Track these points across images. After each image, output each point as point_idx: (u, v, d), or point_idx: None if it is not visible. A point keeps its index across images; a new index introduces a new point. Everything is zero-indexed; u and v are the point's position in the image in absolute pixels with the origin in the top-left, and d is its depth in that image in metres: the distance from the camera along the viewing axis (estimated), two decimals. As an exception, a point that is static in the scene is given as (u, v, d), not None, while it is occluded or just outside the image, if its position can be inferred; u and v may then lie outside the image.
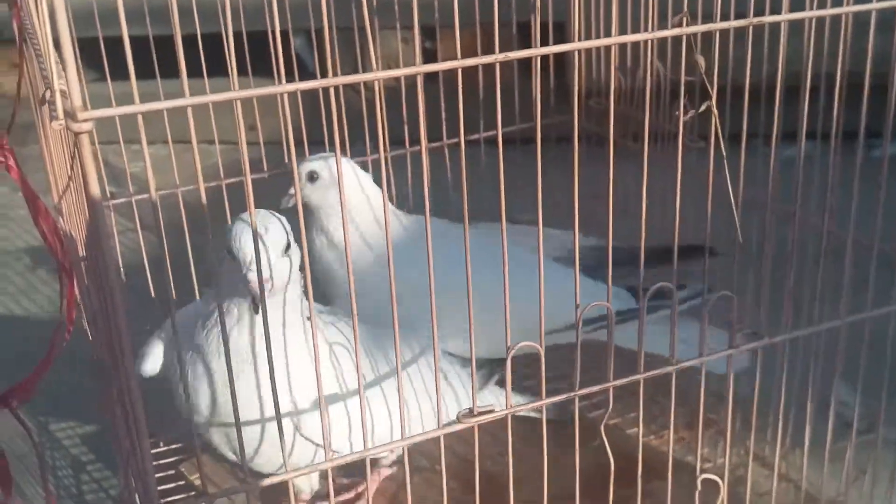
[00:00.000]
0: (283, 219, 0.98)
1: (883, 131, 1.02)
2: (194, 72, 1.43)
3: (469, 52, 0.75)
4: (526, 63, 1.45)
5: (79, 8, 1.43)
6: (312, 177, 1.38)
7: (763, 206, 1.12)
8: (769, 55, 1.18)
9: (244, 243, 0.93)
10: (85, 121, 0.64)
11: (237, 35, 1.34)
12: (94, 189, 0.66)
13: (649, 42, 0.83)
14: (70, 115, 0.64)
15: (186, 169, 1.42)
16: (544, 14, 1.57)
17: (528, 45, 1.47)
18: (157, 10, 1.37)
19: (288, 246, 0.97)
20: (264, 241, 0.94)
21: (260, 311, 0.83)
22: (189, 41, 1.33)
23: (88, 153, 0.65)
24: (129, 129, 1.37)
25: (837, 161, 1.02)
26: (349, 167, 1.39)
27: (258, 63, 1.39)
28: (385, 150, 1.27)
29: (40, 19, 0.70)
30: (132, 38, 1.40)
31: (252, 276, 0.90)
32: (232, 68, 0.70)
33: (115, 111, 0.66)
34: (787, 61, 1.02)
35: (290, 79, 0.73)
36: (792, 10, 0.93)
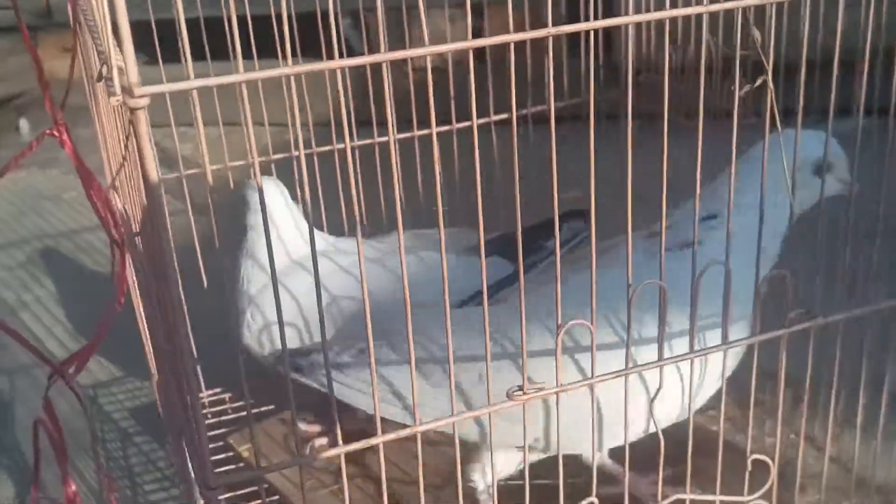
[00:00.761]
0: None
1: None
2: (244, 53, 1.44)
3: (518, 29, 0.75)
4: (574, 40, 1.44)
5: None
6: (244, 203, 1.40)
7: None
8: (824, 28, 1.15)
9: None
10: (142, 96, 0.65)
11: (287, 17, 1.35)
12: (150, 164, 0.67)
13: (702, 15, 0.82)
14: (127, 90, 0.65)
15: (236, 150, 1.43)
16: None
17: (575, 12, 1.47)
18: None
19: None
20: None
21: None
22: (238, 23, 1.35)
23: (145, 129, 0.66)
24: (179, 112, 1.39)
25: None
26: (278, 192, 1.40)
27: (308, 46, 1.39)
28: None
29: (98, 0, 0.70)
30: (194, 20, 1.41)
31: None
32: (285, 50, 0.70)
33: (171, 87, 0.67)
34: (842, 35, 0.99)
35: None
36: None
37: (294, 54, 1.17)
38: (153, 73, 1.44)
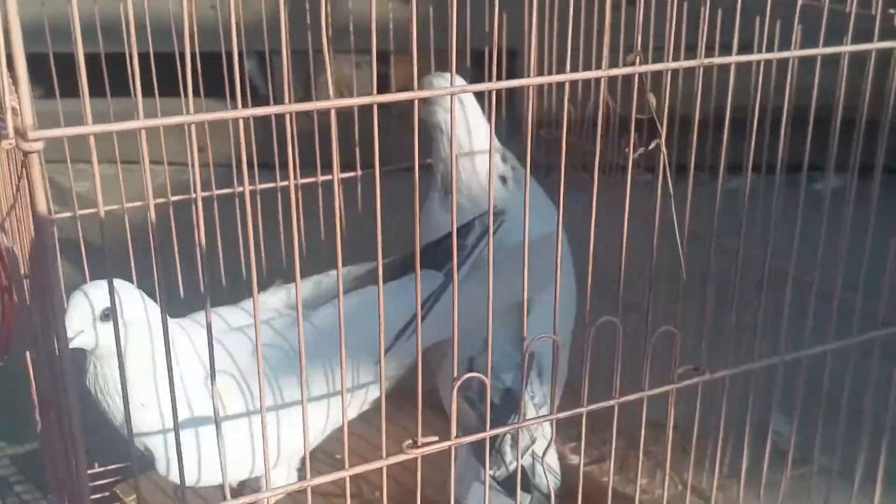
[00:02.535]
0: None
1: (825, 165, 1.05)
2: (146, 91, 1.41)
3: (423, 75, 0.76)
4: (478, 94, 1.46)
5: (27, 22, 1.41)
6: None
7: (707, 240, 1.14)
8: (716, 89, 1.20)
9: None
10: (36, 140, 0.63)
11: (190, 56, 1.33)
12: (43, 209, 0.65)
13: (601, 79, 0.84)
14: (20, 133, 0.63)
15: (132, 189, 1.40)
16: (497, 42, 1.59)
17: (481, 71, 1.50)
18: (108, 27, 1.36)
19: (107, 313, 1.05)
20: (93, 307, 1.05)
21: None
22: (140, 60, 1.33)
23: (38, 173, 0.65)
24: (74, 148, 1.35)
25: (780, 195, 1.05)
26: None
27: (210, 84, 1.38)
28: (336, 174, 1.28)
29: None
30: (94, 56, 1.38)
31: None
32: (187, 91, 0.69)
33: (67, 131, 0.65)
34: (734, 94, 1.04)
35: (243, 102, 0.73)
36: (741, 48, 0.96)
37: (197, 94, 1.16)
38: (49, 106, 1.41)
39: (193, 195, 1.38)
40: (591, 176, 0.88)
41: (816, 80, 1.00)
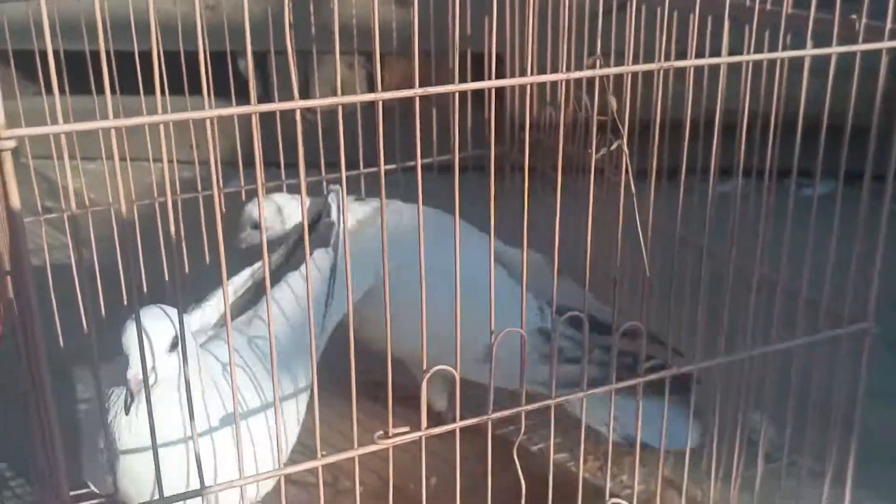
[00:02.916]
0: (174, 313, 0.98)
1: (809, 171, 1.07)
2: (148, 89, 1.44)
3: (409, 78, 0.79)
4: (470, 97, 1.49)
5: (20, 18, 1.43)
6: (257, 226, 1.40)
7: (681, 241, 1.17)
8: (695, 94, 1.22)
9: (129, 340, 0.96)
10: (8, 139, 0.65)
11: (177, 55, 1.36)
12: (16, 205, 0.68)
13: (568, 81, 0.87)
14: (-7, 132, 0.65)
15: (124, 185, 1.43)
16: (480, 46, 1.61)
17: (476, 76, 1.52)
18: (95, 26, 1.38)
19: (175, 342, 0.99)
20: (150, 338, 0.96)
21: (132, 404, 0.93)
22: (126, 57, 1.35)
23: (10, 171, 0.67)
24: (69, 145, 1.38)
25: (761, 200, 1.08)
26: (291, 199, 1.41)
27: (198, 82, 1.40)
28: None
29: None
30: (77, 53, 1.40)
31: (132, 374, 0.94)
32: (207, 90, 0.72)
33: (40, 130, 0.68)
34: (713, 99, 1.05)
35: (242, 101, 0.76)
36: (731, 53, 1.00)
37: (199, 93, 1.19)
38: (39, 104, 1.44)
39: (198, 193, 1.44)
40: (565, 176, 0.90)
41: (776, 81, 1.02)
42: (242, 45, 0.69)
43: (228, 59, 1.52)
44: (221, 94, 1.44)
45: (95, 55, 1.37)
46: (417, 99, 0.77)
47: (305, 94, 1.73)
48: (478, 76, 1.45)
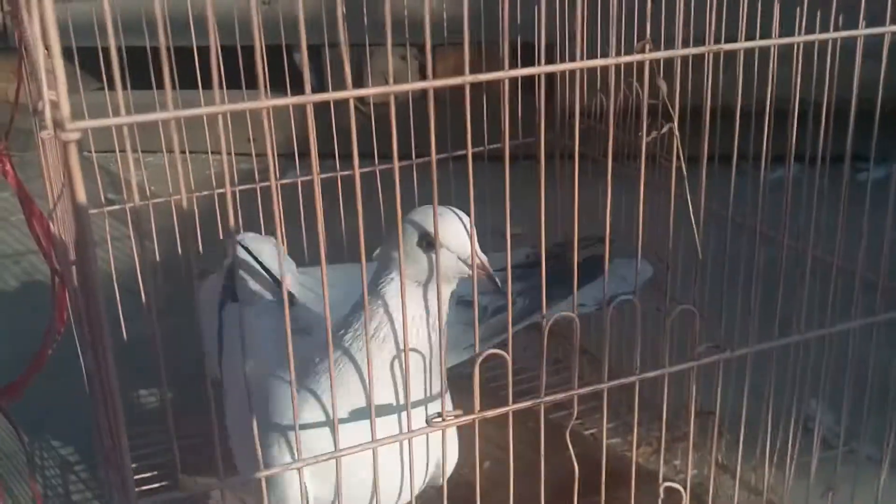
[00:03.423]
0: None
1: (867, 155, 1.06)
2: (190, 83, 1.47)
3: (460, 70, 0.80)
4: (517, 82, 1.49)
5: (84, 18, 1.47)
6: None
7: (735, 225, 1.16)
8: (744, 80, 1.22)
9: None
10: (73, 130, 0.68)
11: (234, 50, 1.39)
12: (81, 196, 0.70)
13: (618, 66, 0.87)
14: (59, 124, 0.68)
15: (183, 177, 1.46)
16: (531, 35, 1.61)
17: (529, 60, 1.52)
18: (173, 20, 1.41)
19: None
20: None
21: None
22: (185, 53, 1.38)
23: (76, 162, 0.69)
24: (131, 138, 1.41)
25: (813, 185, 1.07)
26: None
27: (255, 77, 1.43)
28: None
29: (34, 31, 0.74)
30: (138, 49, 1.43)
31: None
32: (263, 83, 0.73)
33: (101, 122, 0.70)
34: (765, 84, 1.05)
35: (294, 92, 0.77)
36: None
37: (255, 87, 1.21)
38: (111, 98, 1.48)
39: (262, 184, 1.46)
40: (621, 164, 0.90)
41: (828, 64, 1.01)
42: (297, 38, 0.70)
43: (284, 53, 1.54)
44: (277, 88, 1.47)
45: (155, 51, 1.40)
46: (468, 86, 0.78)
47: (359, 85, 1.75)
48: (528, 65, 1.46)
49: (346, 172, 1.57)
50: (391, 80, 0.77)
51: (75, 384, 1.45)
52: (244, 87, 1.51)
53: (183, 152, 1.36)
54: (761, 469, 1.32)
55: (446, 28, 1.53)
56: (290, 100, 0.72)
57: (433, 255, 0.93)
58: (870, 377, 1.17)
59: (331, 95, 0.73)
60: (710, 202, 1.04)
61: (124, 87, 0.70)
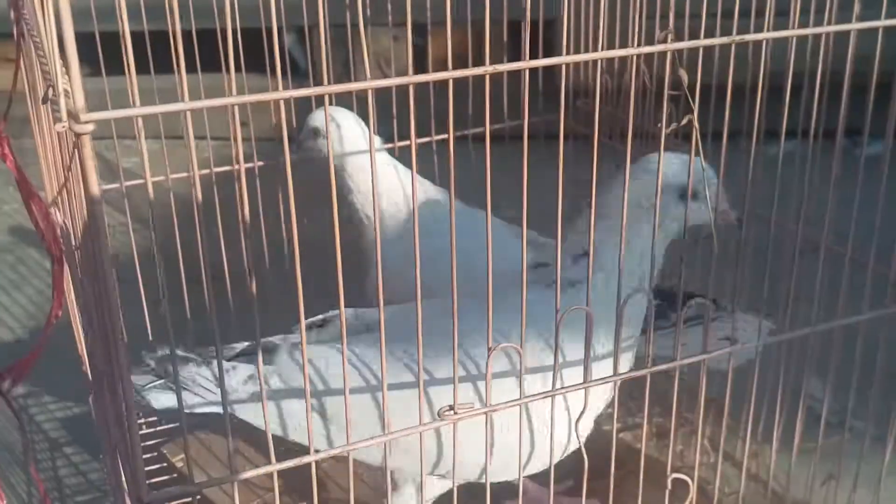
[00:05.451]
0: None
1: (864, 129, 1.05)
2: (189, 68, 1.44)
3: (460, 48, 0.78)
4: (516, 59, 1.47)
5: (82, 3, 1.43)
6: (317, 133, 1.39)
7: (742, 211, 1.15)
8: (753, 57, 1.20)
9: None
10: (87, 122, 0.66)
11: (232, 32, 1.35)
12: (94, 189, 0.68)
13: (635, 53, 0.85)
14: (73, 115, 0.66)
15: (178, 163, 1.44)
16: (534, 12, 1.60)
17: (518, 44, 1.51)
18: (151, 5, 1.38)
19: None
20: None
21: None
22: (182, 36, 1.35)
23: (90, 153, 0.67)
24: (121, 125, 1.38)
25: (817, 161, 1.06)
26: (356, 124, 1.40)
27: (250, 59, 1.40)
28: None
29: (45, 19, 0.72)
30: (136, 35, 1.41)
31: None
32: (229, 67, 0.72)
33: (116, 114, 0.68)
34: (771, 60, 1.04)
35: (283, 77, 0.75)
36: (778, 13, 0.97)
37: (238, 69, 1.19)
38: (95, 84, 1.44)
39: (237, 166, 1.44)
40: (625, 144, 0.89)
41: (851, 51, 1.00)
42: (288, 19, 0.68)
43: (264, 35, 1.51)
44: (256, 70, 1.44)
45: (158, 35, 1.38)
46: (488, 77, 0.77)
47: (348, 68, 1.73)
48: (528, 46, 1.45)
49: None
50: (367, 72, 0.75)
51: (62, 365, 1.44)
52: (223, 70, 1.48)
53: (180, 138, 1.33)
54: (763, 457, 1.32)
55: (429, 9, 1.52)
56: (312, 90, 0.70)
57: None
58: (879, 361, 1.17)
59: (352, 86, 0.72)
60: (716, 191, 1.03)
61: (120, 74, 0.68)
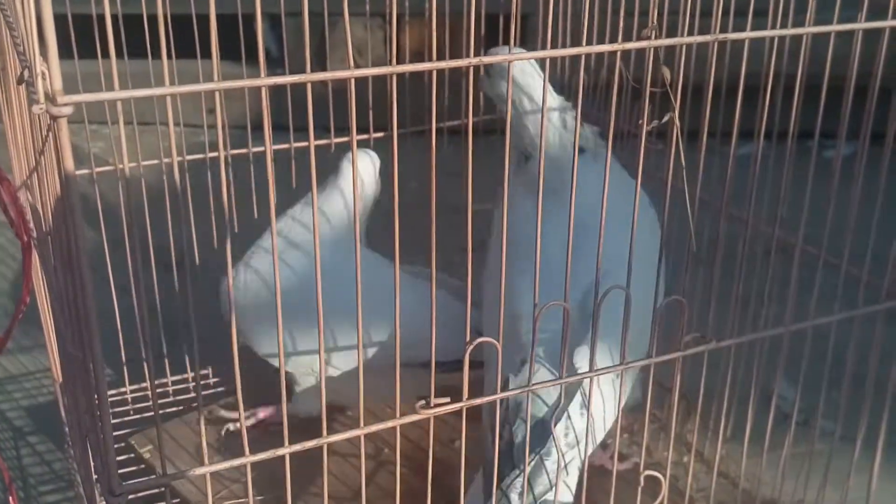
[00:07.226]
0: None
1: (837, 132, 1.06)
2: (158, 52, 1.42)
3: (427, 41, 0.78)
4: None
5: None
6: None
7: (716, 209, 1.16)
8: (730, 55, 1.21)
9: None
10: (65, 105, 0.65)
11: (206, 18, 1.34)
12: (71, 171, 0.67)
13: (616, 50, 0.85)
14: (50, 98, 0.65)
15: (147, 149, 1.42)
16: (509, 6, 1.59)
17: (493, 36, 1.50)
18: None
19: None
20: None
21: None
22: (150, 21, 1.33)
23: (66, 136, 0.66)
24: (90, 109, 1.36)
25: (791, 162, 1.07)
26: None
27: (223, 45, 1.39)
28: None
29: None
30: (96, 17, 1.39)
31: None
32: (210, 53, 0.71)
33: (96, 97, 0.67)
34: (747, 60, 1.04)
35: (255, 63, 0.75)
36: (757, 13, 0.98)
37: (208, 56, 1.17)
38: (67, 67, 1.42)
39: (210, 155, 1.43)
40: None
41: (830, 52, 1.01)
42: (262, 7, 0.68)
43: (241, 23, 1.50)
44: (228, 58, 1.42)
45: (129, 18, 1.36)
46: (472, 69, 0.76)
47: (322, 58, 1.71)
48: (493, 37, 1.44)
49: (301, 144, 1.52)
50: (350, 62, 0.74)
51: (26, 353, 1.42)
52: (199, 57, 1.46)
53: (163, 123, 1.32)
54: (734, 454, 1.33)
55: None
56: (289, 78, 0.69)
57: None
58: (847, 360, 1.18)
59: (331, 75, 0.71)
60: (692, 187, 1.04)
61: (92, 57, 0.67)
